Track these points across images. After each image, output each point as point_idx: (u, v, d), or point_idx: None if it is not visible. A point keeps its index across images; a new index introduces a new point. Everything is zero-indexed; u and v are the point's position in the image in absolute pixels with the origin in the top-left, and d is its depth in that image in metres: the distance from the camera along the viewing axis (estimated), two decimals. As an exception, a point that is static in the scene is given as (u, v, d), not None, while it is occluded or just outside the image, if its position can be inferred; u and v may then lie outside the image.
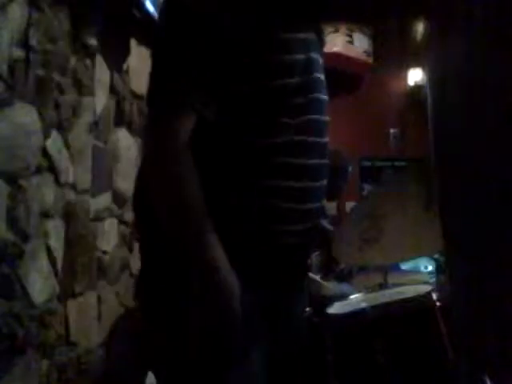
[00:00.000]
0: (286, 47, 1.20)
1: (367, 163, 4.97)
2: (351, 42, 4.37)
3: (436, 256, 2.49)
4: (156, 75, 1.18)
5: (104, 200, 2.35)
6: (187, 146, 1.13)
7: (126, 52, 2.60)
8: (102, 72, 2.29)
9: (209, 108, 1.16)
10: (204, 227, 1.10)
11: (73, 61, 2.02)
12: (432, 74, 0.86)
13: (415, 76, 5.02)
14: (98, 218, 2.29)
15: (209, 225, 1.11)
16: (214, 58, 1.14)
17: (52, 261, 1.87)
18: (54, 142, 1.87)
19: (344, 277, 2.81)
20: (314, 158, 1.23)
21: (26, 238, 1.69)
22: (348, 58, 4.23)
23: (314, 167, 1.24)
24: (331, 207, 3.45)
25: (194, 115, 1.15)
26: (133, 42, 2.67)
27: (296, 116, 1.21)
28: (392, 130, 4.96)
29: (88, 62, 2.15)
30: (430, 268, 2.87)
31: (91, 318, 2.23)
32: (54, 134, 1.87)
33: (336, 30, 4.25)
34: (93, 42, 2.17)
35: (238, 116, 1.18)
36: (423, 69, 4.98)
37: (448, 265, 0.87)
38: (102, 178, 2.33)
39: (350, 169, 3.15)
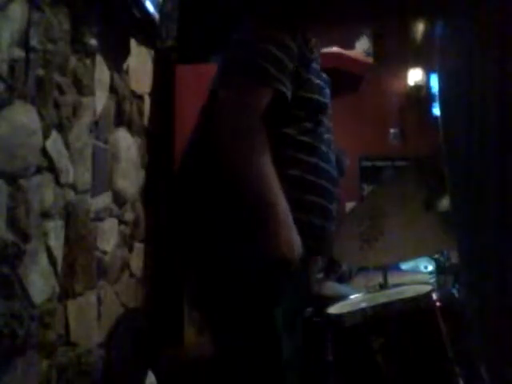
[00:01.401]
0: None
1: (367, 163, 4.97)
2: (351, 42, 4.37)
3: (436, 256, 2.49)
4: (235, 57, 1.46)
5: (104, 200, 2.35)
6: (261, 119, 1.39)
7: (126, 52, 2.60)
8: (102, 72, 2.29)
9: (285, 86, 1.43)
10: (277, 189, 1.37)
11: (73, 61, 2.02)
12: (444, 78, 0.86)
13: (415, 76, 5.02)
14: (98, 218, 2.29)
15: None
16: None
17: (52, 261, 1.87)
18: (53, 142, 1.87)
19: (344, 277, 2.82)
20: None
21: (26, 237, 1.70)
22: (348, 58, 4.22)
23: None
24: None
25: (271, 91, 1.41)
26: (133, 42, 2.67)
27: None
28: (392, 130, 4.96)
29: (88, 62, 2.15)
30: (430, 268, 2.87)
31: (91, 318, 2.23)
32: (54, 134, 1.87)
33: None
34: (93, 42, 2.17)
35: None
36: (423, 69, 4.98)
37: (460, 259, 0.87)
38: (102, 178, 2.33)
39: (347, 162, 3.16)
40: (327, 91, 1.70)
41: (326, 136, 1.64)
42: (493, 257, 0.78)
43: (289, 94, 1.48)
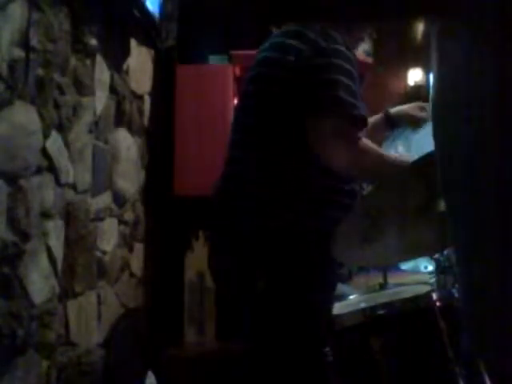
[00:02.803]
0: None
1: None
2: (351, 42, 4.37)
3: (436, 256, 2.49)
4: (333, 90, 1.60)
5: (104, 200, 2.35)
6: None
7: (126, 52, 2.60)
8: (102, 72, 2.29)
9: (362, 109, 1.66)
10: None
11: (73, 61, 2.02)
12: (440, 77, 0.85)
13: (415, 76, 5.02)
14: (98, 218, 2.29)
15: None
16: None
17: (52, 261, 1.87)
18: (54, 142, 1.87)
19: (344, 277, 2.81)
20: None
21: (26, 237, 1.70)
22: (348, 58, 4.22)
23: None
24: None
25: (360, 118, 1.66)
26: (133, 42, 2.67)
27: None
28: (392, 130, 4.95)
29: (88, 62, 2.15)
30: (430, 268, 2.87)
31: (91, 317, 2.23)
32: (54, 134, 1.87)
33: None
34: (93, 42, 2.17)
35: None
36: (423, 69, 4.98)
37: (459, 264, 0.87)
38: (102, 178, 2.33)
39: None
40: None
41: None
42: (493, 254, 0.78)
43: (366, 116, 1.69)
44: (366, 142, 1.70)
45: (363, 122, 1.67)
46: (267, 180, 1.64)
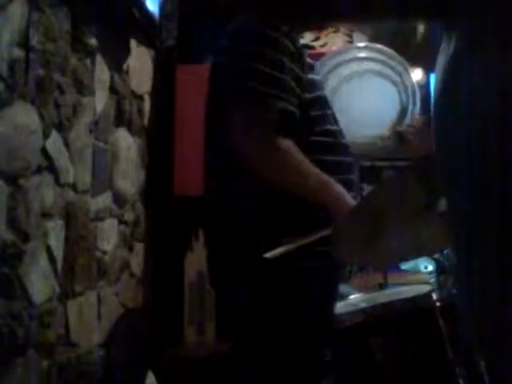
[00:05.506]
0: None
1: (367, 163, 4.97)
2: (351, 42, 4.37)
3: (436, 256, 2.49)
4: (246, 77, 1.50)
5: (104, 200, 2.35)
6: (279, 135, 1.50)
7: (126, 52, 2.60)
8: (102, 72, 2.29)
9: (291, 103, 1.51)
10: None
11: (73, 61, 2.02)
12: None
13: (415, 76, 5.02)
14: (98, 218, 2.29)
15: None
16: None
17: (52, 261, 1.87)
18: (54, 142, 1.87)
19: (344, 277, 2.81)
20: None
21: (26, 237, 1.69)
22: (348, 58, 4.23)
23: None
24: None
25: (279, 111, 1.50)
26: (133, 42, 2.67)
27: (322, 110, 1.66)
28: (392, 130, 4.95)
29: (88, 62, 2.15)
30: (430, 268, 2.87)
31: (91, 318, 2.23)
32: (54, 134, 1.87)
33: (336, 30, 4.25)
34: (93, 42, 2.17)
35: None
36: (423, 69, 4.97)
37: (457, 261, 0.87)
38: (102, 178, 2.33)
39: None
40: (321, 82, 1.71)
41: (334, 128, 1.67)
42: (493, 253, 0.78)
43: (295, 109, 1.54)
44: (289, 143, 1.52)
45: (285, 114, 1.52)
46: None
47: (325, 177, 1.54)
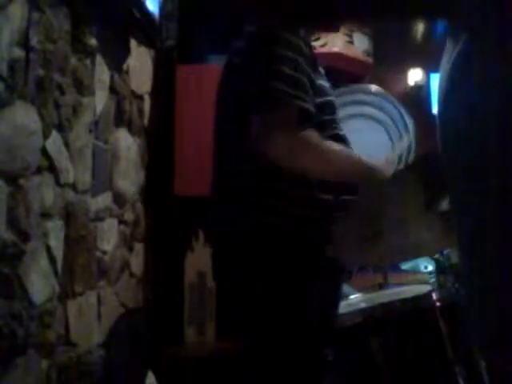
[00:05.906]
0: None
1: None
2: (351, 42, 4.36)
3: (436, 256, 2.49)
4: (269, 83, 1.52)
5: (104, 200, 2.35)
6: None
7: (126, 52, 2.60)
8: (102, 72, 2.29)
9: (307, 102, 1.54)
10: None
11: (73, 61, 2.02)
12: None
13: (415, 76, 5.02)
14: (98, 218, 2.29)
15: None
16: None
17: (52, 261, 1.87)
18: (53, 142, 1.87)
19: (344, 277, 2.81)
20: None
21: (26, 237, 1.69)
22: (348, 58, 4.22)
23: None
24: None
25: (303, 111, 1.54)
26: (133, 42, 2.67)
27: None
28: (392, 130, 4.95)
29: (88, 62, 2.15)
30: (430, 268, 2.87)
31: (91, 318, 2.23)
32: (54, 133, 1.87)
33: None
34: (93, 42, 2.17)
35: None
36: (423, 69, 4.98)
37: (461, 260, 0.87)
38: (102, 178, 2.33)
39: None
40: (330, 87, 1.73)
41: (342, 133, 1.70)
42: (495, 252, 0.78)
43: (312, 108, 1.56)
44: (313, 134, 1.56)
45: (305, 114, 1.56)
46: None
47: (354, 156, 1.64)
